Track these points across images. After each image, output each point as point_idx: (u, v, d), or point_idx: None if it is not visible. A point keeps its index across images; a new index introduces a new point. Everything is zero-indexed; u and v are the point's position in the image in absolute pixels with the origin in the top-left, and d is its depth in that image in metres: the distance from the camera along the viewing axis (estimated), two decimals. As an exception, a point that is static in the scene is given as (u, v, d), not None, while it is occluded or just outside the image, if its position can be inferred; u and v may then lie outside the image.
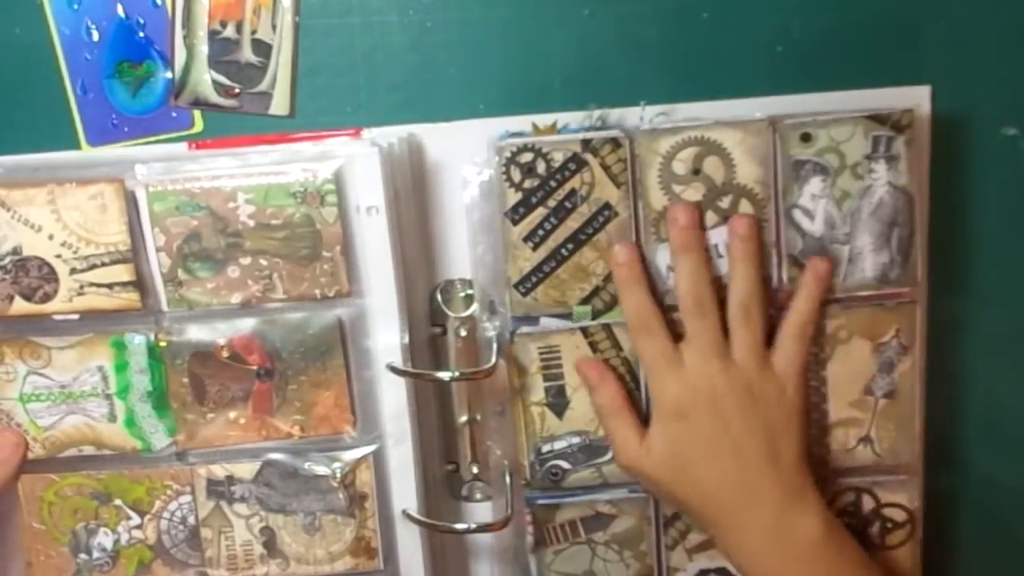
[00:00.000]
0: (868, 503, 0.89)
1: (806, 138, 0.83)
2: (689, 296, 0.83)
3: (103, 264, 0.83)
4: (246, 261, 0.84)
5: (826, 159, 0.83)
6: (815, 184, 0.84)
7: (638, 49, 0.87)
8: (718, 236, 0.84)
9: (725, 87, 0.87)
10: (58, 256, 0.83)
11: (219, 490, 0.88)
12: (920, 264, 0.85)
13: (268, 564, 0.88)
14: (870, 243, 0.84)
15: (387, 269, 0.83)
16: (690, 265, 0.83)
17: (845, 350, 0.86)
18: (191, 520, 0.88)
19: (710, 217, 0.84)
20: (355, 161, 0.82)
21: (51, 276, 0.84)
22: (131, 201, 0.83)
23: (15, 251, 0.83)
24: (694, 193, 0.84)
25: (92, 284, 0.84)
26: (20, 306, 0.84)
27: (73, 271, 0.83)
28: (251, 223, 0.83)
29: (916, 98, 0.86)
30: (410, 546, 0.88)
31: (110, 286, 0.84)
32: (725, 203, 0.84)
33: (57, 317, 0.85)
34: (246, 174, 0.82)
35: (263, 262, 0.84)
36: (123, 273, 0.83)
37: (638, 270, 0.84)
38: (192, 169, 0.83)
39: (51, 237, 0.83)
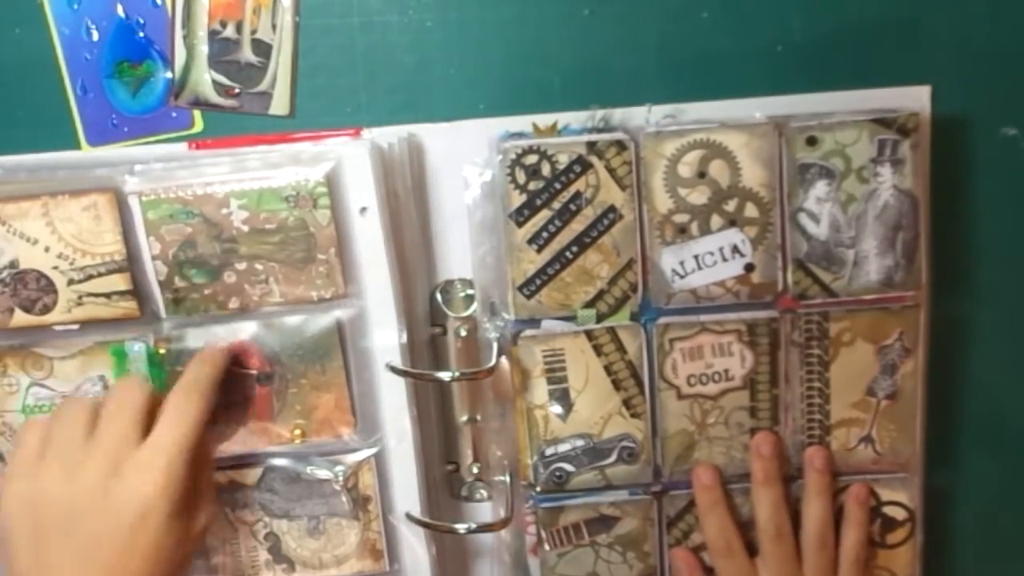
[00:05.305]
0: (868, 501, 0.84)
1: (811, 141, 0.78)
2: (770, 524, 0.82)
3: (100, 274, 0.79)
4: (242, 266, 0.79)
5: (832, 162, 0.78)
6: (820, 187, 0.78)
7: (638, 49, 0.82)
8: (723, 240, 0.79)
9: (725, 87, 0.81)
10: (55, 268, 0.79)
11: (222, 497, 0.82)
12: (924, 267, 0.80)
13: (274, 570, 0.84)
14: (875, 247, 0.79)
15: (383, 269, 0.79)
16: (773, 497, 0.82)
17: (848, 352, 0.81)
18: (195, 527, 0.83)
19: (715, 220, 0.79)
20: (346, 163, 0.78)
21: (49, 288, 0.79)
22: (125, 210, 0.78)
23: (12, 264, 0.79)
24: (699, 196, 0.79)
25: (90, 294, 0.79)
26: (20, 318, 0.80)
27: (71, 282, 0.79)
28: (245, 228, 0.78)
29: (916, 98, 0.81)
30: (415, 547, 0.84)
31: (108, 296, 0.79)
32: (731, 206, 0.79)
33: (58, 328, 0.80)
34: (238, 180, 0.78)
35: (259, 266, 0.79)
36: (120, 282, 0.79)
37: (719, 494, 0.83)
38: (184, 176, 0.78)
39: (47, 249, 0.78)
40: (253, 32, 0.81)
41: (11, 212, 0.78)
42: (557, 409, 0.82)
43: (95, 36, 0.81)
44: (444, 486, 0.87)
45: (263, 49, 0.81)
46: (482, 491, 0.87)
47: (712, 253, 0.79)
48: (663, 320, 0.81)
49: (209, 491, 0.76)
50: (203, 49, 0.81)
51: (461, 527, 0.84)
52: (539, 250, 0.80)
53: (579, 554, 0.84)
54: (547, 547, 0.84)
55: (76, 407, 0.74)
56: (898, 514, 0.84)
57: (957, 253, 0.84)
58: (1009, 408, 0.88)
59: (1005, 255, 0.85)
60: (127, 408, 0.73)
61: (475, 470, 0.87)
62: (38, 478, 0.71)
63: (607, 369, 0.81)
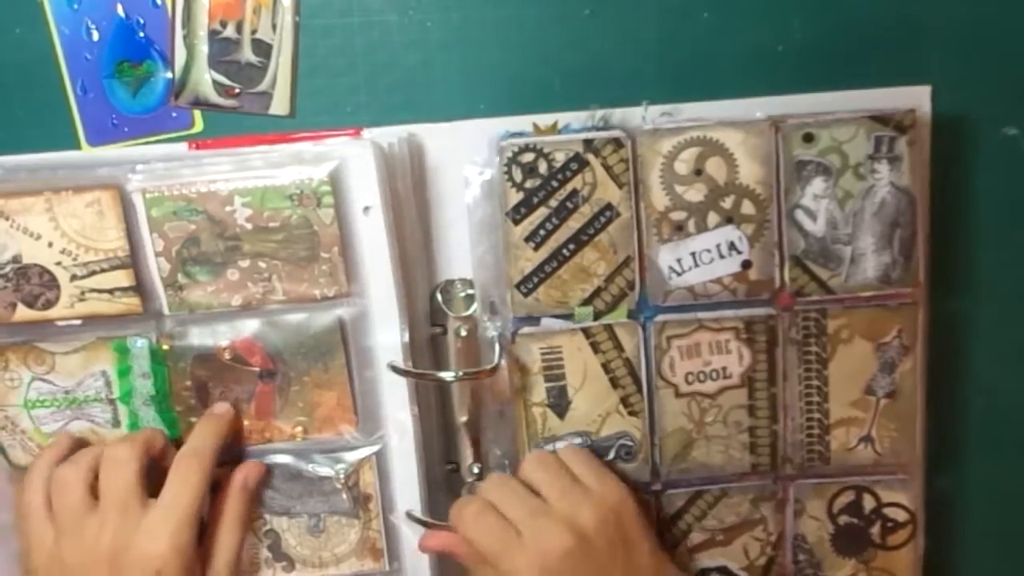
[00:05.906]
0: (869, 502, 0.84)
1: (808, 138, 0.78)
2: None
3: (103, 270, 0.79)
4: (245, 264, 0.79)
5: (828, 159, 0.78)
6: (817, 184, 0.78)
7: (638, 49, 0.82)
8: (720, 237, 0.79)
9: (725, 87, 0.81)
10: (58, 263, 0.79)
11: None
12: (922, 265, 0.80)
13: (273, 568, 0.84)
14: (872, 244, 0.79)
15: (385, 268, 0.79)
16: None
17: (846, 350, 0.81)
18: (195, 524, 0.83)
19: (712, 218, 0.79)
20: (350, 162, 0.78)
21: (52, 283, 0.79)
22: (129, 207, 0.78)
23: (15, 259, 0.79)
24: (696, 193, 0.79)
25: (93, 290, 0.79)
26: (23, 313, 0.80)
27: (74, 278, 0.79)
28: (249, 226, 0.78)
29: (916, 98, 0.81)
30: (415, 547, 0.83)
31: (111, 291, 0.79)
32: (727, 203, 0.79)
33: (60, 323, 0.80)
34: (242, 178, 0.78)
35: (262, 264, 0.79)
36: (123, 278, 0.79)
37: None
38: (188, 174, 0.78)
39: (50, 245, 0.78)
40: (253, 32, 0.81)
41: (15, 207, 0.78)
42: (555, 407, 0.82)
43: (95, 36, 0.81)
44: (444, 486, 0.87)
45: (263, 49, 0.81)
46: (482, 491, 0.87)
47: (709, 250, 0.79)
48: (660, 318, 0.81)
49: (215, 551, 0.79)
50: (203, 49, 0.81)
51: (461, 527, 0.83)
52: (536, 248, 0.79)
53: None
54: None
55: (72, 474, 0.77)
56: (899, 516, 0.84)
57: (957, 251, 0.84)
58: (1010, 407, 0.87)
59: (1005, 253, 0.85)
60: (123, 475, 0.76)
61: (475, 470, 0.86)
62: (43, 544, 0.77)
63: (605, 367, 0.81)
